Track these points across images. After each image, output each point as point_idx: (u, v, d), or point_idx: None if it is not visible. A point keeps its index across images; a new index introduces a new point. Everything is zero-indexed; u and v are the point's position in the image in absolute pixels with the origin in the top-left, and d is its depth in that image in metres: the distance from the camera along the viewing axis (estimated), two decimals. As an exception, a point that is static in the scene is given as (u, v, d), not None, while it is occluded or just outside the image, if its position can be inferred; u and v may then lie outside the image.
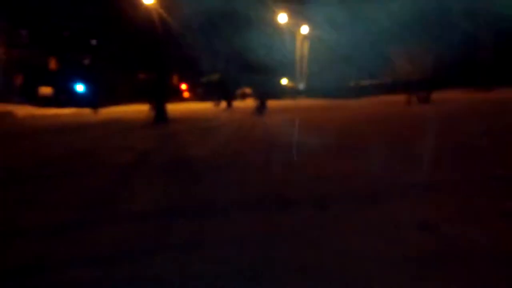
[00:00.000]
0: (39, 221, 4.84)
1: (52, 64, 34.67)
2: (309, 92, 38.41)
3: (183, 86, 50.92)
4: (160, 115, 17.67)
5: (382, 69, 27.89)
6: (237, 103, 31.15)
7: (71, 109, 31.65)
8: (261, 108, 22.39)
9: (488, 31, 26.22)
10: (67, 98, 38.74)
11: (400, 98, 22.97)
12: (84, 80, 38.12)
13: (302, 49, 38.01)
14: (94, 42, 36.45)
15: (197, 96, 47.79)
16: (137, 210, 5.18)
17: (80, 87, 38.59)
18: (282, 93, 38.04)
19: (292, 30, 34.49)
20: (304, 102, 30.49)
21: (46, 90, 42.25)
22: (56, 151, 10.32)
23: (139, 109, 27.79)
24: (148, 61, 22.12)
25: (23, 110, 29.27)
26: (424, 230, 3.87)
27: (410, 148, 8.08)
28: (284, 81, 44.26)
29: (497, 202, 4.58)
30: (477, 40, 26.05)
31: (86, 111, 28.49)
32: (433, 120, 12.07)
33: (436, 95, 19.46)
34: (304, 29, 36.29)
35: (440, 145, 8.13)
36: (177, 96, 44.36)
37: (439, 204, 4.65)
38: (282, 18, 28.08)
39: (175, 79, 42.74)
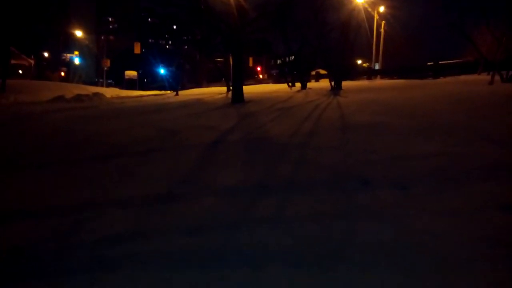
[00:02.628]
0: (136, 192, 5.36)
1: (137, 49, 36.43)
2: (385, 72, 37.58)
3: (259, 68, 51.61)
4: (237, 96, 18.17)
5: (464, 47, 26.76)
6: (312, 84, 31.08)
7: (153, 91, 33.32)
8: (335, 88, 22.37)
9: None
10: (150, 80, 40.82)
11: (482, 77, 21.99)
12: (165, 64, 39.75)
13: (378, 29, 37.17)
14: (175, 27, 37.71)
15: (271, 77, 48.32)
16: (222, 185, 5.55)
17: (162, 70, 40.29)
18: (357, 73, 37.57)
19: (369, 9, 33.83)
20: (379, 82, 29.83)
21: (131, 73, 44.72)
22: (146, 130, 10.96)
23: (217, 91, 28.70)
24: (226, 45, 22.76)
25: (110, 92, 31.33)
26: (506, 212, 3.88)
27: (492, 128, 7.77)
28: (359, 61, 43.62)
29: None
30: None
31: (167, 93, 29.74)
32: None
33: None
34: (381, 9, 35.44)
35: None
36: (253, 78, 45.19)
37: None
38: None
39: (250, 61, 43.40)
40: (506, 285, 2.74)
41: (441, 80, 24.55)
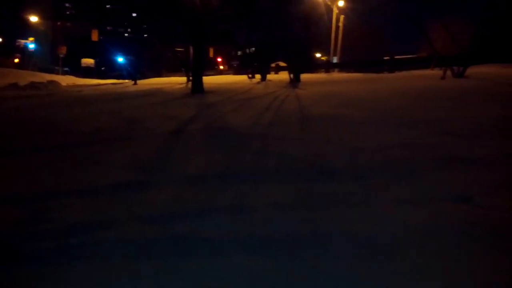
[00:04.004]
0: (98, 181, 5.33)
1: (94, 36, 35.60)
2: (343, 66, 38.29)
3: (219, 59, 51.46)
4: (197, 86, 18.12)
5: (419, 43, 27.62)
6: (271, 76, 31.27)
7: (111, 80, 32.77)
8: (295, 81, 22.69)
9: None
10: (108, 69, 40.05)
11: (434, 72, 22.77)
12: (124, 52, 39.01)
13: (337, 23, 37.75)
14: (135, 15, 37.14)
15: (232, 68, 48.32)
16: (184, 174, 5.58)
17: (120, 59, 39.55)
18: (315, 66, 38.10)
19: (329, 3, 34.30)
20: (337, 75, 30.28)
21: (88, 61, 43.59)
22: (106, 119, 10.85)
23: (177, 81, 28.49)
24: (186, 34, 22.62)
25: (66, 80, 30.57)
26: (460, 202, 4.02)
27: (446, 121, 8.04)
28: (317, 55, 44.23)
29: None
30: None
31: (126, 82, 29.33)
32: (467, 93, 11.93)
33: (472, 70, 19.05)
34: (340, 3, 36.05)
35: (474, 119, 8.03)
36: (213, 68, 45.09)
37: (475, 178, 4.70)
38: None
39: (211, 52, 43.17)
40: (456, 271, 2.86)
41: (396, 74, 25.25)
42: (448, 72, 18.85)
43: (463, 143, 6.35)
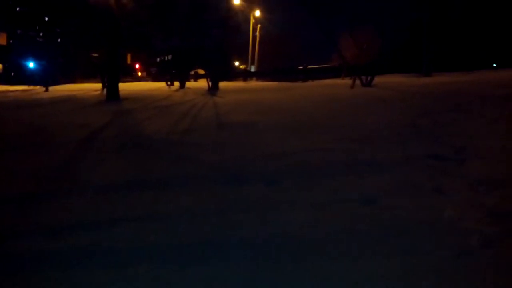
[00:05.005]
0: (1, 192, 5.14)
1: (2, 40, 33.57)
2: (260, 74, 39.11)
3: (137, 66, 50.48)
4: (112, 93, 17.65)
5: (331, 53, 28.93)
6: (190, 84, 31.22)
7: (21, 86, 31.03)
8: (213, 88, 22.85)
9: (432, 17, 27.29)
10: (17, 74, 37.81)
11: (345, 81, 23.96)
12: (35, 57, 37.17)
13: (254, 32, 38.53)
14: (47, 18, 35.46)
15: (150, 75, 47.55)
16: (94, 183, 5.47)
17: (31, 64, 37.61)
18: (234, 74, 38.57)
19: (246, 12, 34.94)
20: (254, 84, 30.84)
21: (-5, 66, 41.03)
22: (10, 127, 10.41)
23: (92, 87, 27.59)
24: (101, 39, 22.02)
25: (-30, 86, 28.56)
26: (365, 205, 4.21)
27: (355, 127, 8.41)
28: (236, 63, 44.80)
29: (432, 179, 4.91)
30: (421, 26, 27.22)
31: (37, 89, 27.97)
32: (374, 101, 12.62)
33: (379, 79, 20.08)
34: (257, 13, 36.88)
35: (378, 125, 8.48)
36: (130, 75, 44.07)
37: (380, 180, 4.94)
38: (236, -1, 28.50)
39: (128, 58, 42.23)
40: (360, 272, 2.98)
41: (310, 83, 26.20)
42: (357, 81, 19.86)
43: (368, 147, 6.67)
